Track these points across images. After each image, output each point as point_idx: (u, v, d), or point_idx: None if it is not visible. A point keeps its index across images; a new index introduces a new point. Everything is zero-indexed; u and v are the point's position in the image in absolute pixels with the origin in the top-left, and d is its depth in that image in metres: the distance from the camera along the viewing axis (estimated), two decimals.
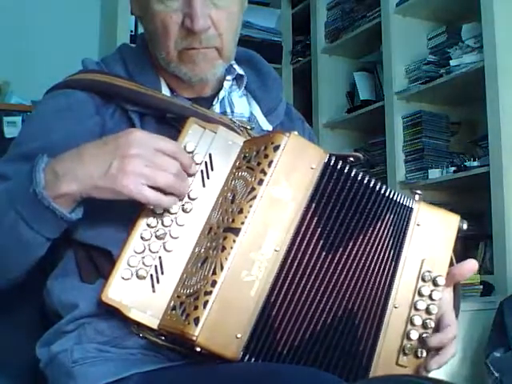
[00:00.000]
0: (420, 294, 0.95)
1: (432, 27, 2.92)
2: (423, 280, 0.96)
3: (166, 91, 1.08)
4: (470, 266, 0.99)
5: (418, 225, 0.97)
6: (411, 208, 0.98)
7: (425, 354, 0.94)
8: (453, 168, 2.66)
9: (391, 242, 0.95)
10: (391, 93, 2.87)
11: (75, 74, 1.08)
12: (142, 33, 1.14)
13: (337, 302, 0.91)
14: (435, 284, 0.96)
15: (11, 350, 1.05)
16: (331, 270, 0.91)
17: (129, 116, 1.02)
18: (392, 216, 0.96)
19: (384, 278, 0.94)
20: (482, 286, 2.33)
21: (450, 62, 2.65)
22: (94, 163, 0.86)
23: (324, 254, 0.91)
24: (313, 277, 0.90)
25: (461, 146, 2.88)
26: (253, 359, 0.86)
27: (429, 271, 0.96)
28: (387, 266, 0.95)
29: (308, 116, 3.25)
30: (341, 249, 0.92)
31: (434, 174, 2.71)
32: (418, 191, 0.99)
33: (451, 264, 0.99)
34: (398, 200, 0.97)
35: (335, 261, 0.92)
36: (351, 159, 0.95)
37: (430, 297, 0.95)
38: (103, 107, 1.03)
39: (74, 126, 1.01)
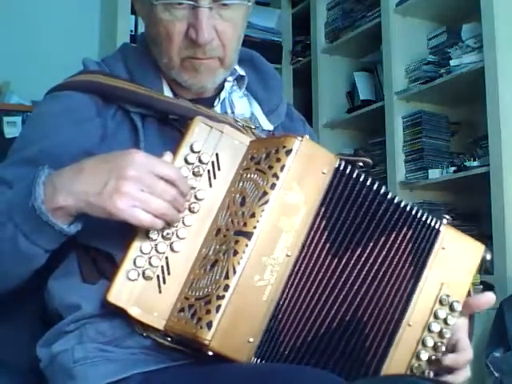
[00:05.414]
0: (435, 317, 0.95)
1: (432, 27, 2.91)
2: (441, 303, 0.96)
3: (167, 92, 1.08)
4: (488, 298, 0.99)
5: (443, 248, 0.97)
6: (438, 230, 0.97)
7: (431, 376, 0.94)
8: (453, 168, 2.65)
9: (410, 258, 0.95)
10: (391, 93, 2.87)
11: (76, 75, 1.07)
12: (142, 32, 1.13)
13: (343, 307, 0.91)
14: (452, 309, 0.96)
15: (12, 350, 1.05)
16: (337, 274, 0.91)
17: (130, 117, 1.01)
18: (411, 232, 0.95)
19: (401, 294, 0.94)
20: (481, 286, 2.33)
21: (450, 61, 2.65)
22: (90, 180, 0.86)
23: (330, 257, 0.91)
24: (319, 280, 0.90)
25: (461, 145, 2.88)
26: (259, 361, 0.87)
27: (447, 295, 0.96)
28: (406, 283, 0.95)
29: (308, 116, 3.25)
30: (348, 253, 0.92)
31: (434, 174, 2.71)
32: (447, 216, 0.98)
33: (468, 294, 0.99)
34: (421, 218, 0.96)
35: (342, 265, 0.92)
36: (360, 164, 0.95)
37: (445, 321, 0.95)
38: (104, 108, 1.02)
39: (75, 128, 1.01)
